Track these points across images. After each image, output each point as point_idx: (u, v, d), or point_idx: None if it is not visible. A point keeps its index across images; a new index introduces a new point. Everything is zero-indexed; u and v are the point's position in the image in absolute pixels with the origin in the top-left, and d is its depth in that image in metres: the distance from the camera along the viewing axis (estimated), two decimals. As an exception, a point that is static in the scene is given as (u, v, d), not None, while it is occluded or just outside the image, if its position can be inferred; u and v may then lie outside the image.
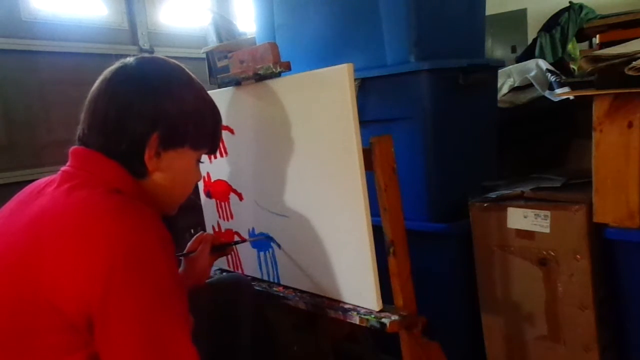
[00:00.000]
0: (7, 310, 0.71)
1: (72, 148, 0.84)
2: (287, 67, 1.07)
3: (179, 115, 0.84)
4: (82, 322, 0.68)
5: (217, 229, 1.39)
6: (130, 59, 0.85)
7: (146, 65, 0.85)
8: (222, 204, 1.34)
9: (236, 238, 1.31)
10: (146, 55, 0.83)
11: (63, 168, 0.83)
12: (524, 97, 1.91)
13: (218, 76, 1.25)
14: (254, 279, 1.29)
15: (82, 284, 0.67)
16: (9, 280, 0.71)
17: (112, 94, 0.82)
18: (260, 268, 1.27)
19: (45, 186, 0.81)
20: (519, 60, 2.57)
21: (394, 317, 0.98)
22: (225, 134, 1.24)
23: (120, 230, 0.71)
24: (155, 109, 0.81)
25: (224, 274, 1.35)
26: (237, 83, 1.18)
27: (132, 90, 0.82)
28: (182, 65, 0.89)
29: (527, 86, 1.93)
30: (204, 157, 1.32)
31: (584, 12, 2.97)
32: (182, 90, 0.86)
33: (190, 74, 0.90)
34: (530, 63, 2.00)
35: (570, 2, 3.04)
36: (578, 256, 1.16)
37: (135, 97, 0.81)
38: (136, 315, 0.69)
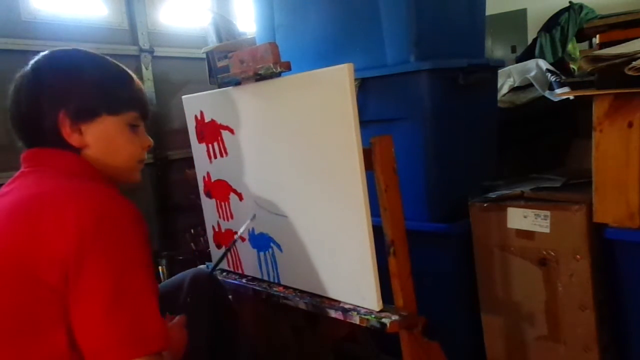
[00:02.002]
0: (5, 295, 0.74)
1: (22, 155, 0.89)
2: (287, 67, 1.07)
3: (82, 88, 0.87)
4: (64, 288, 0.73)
5: (217, 229, 1.39)
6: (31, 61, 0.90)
7: (41, 59, 0.90)
8: (222, 204, 1.34)
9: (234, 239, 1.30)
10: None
11: (20, 171, 0.87)
12: (524, 97, 1.91)
13: (218, 76, 1.25)
14: (254, 279, 1.30)
15: (58, 250, 0.72)
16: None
17: (19, 94, 0.87)
18: (260, 268, 1.27)
19: (6, 187, 0.86)
20: (519, 60, 2.57)
21: (394, 317, 0.99)
22: (225, 133, 1.25)
23: (89, 202, 0.76)
24: (56, 88, 0.86)
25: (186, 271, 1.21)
26: (237, 83, 1.18)
27: (34, 81, 0.87)
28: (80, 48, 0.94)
29: (527, 86, 1.93)
30: (204, 157, 1.34)
31: (584, 12, 2.97)
32: (80, 63, 0.90)
33: (89, 50, 0.94)
34: (530, 63, 2.00)
35: (570, 2, 3.04)
36: (578, 256, 1.15)
37: (38, 85, 0.86)
38: (106, 272, 0.73)
